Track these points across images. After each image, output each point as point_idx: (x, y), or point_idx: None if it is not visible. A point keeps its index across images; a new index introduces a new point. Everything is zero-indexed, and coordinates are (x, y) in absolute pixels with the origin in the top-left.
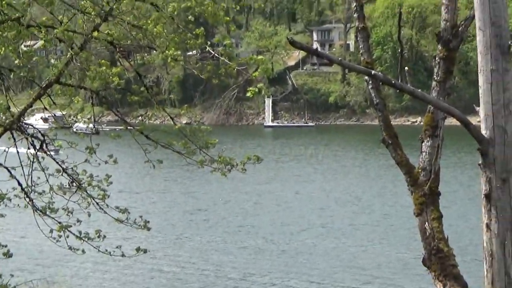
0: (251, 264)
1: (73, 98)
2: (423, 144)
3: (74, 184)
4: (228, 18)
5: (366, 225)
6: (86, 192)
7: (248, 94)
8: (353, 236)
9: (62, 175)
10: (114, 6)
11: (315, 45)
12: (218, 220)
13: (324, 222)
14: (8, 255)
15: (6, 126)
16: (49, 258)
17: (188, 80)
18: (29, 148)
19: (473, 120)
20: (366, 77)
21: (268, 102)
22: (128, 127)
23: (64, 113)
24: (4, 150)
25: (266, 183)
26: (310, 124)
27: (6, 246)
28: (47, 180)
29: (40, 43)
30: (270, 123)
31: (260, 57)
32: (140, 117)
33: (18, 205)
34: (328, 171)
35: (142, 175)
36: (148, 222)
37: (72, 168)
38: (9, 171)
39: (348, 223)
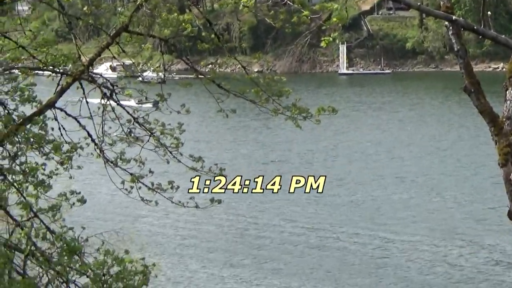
0: (323, 213)
1: (142, 46)
2: (507, 92)
3: (133, 133)
4: None
5: (448, 176)
6: (159, 141)
7: (322, 44)
8: (433, 187)
9: (133, 124)
10: None
11: None
12: (291, 170)
13: (402, 172)
14: (82, 201)
15: (75, 75)
16: (120, 210)
17: (259, 27)
18: (102, 98)
19: None
20: (446, 23)
21: (343, 48)
22: (199, 75)
23: (133, 61)
24: (79, 100)
25: (341, 133)
26: (387, 71)
27: (80, 193)
28: (122, 130)
29: None
30: (345, 71)
31: (335, 5)
32: (210, 65)
33: (92, 153)
34: (406, 120)
35: (214, 125)
36: (224, 169)
37: (143, 117)
38: (78, 122)
39: (427, 174)
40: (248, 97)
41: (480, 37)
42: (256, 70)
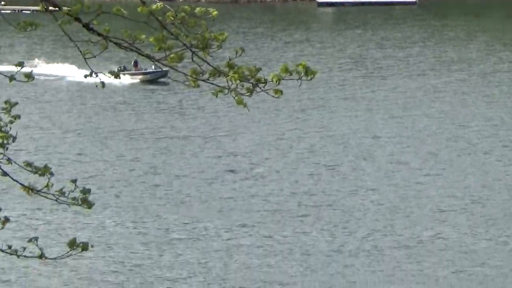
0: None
1: None
2: None
3: None
4: None
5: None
6: None
7: None
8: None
9: None
10: None
11: None
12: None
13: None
14: None
15: None
16: None
17: None
18: None
19: None
20: None
21: None
22: (50, 8)
23: None
24: None
25: (319, 122)
26: None
27: None
28: None
29: None
30: None
31: None
32: None
33: None
34: (452, 102)
35: (75, 111)
36: (89, 191)
37: None
38: None
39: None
40: (142, 49)
41: None
42: None
